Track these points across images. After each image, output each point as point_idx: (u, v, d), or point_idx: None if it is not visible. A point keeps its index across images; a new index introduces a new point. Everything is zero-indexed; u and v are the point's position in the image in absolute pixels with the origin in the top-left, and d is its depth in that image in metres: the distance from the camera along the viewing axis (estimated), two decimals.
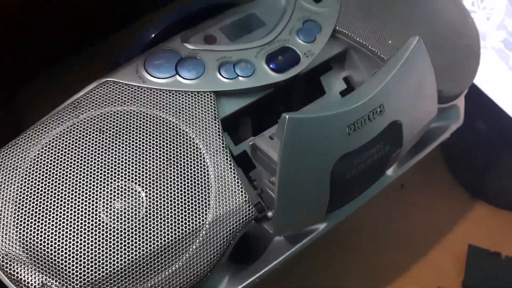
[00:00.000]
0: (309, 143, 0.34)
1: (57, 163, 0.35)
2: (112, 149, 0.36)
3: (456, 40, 0.49)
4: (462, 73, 0.48)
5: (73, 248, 0.33)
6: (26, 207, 0.34)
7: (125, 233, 0.34)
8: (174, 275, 0.35)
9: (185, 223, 0.35)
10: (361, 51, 0.45)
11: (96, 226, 0.34)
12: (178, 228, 0.35)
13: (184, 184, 0.36)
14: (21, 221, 0.34)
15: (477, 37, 0.51)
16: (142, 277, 0.34)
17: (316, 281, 0.57)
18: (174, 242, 0.35)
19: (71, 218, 0.34)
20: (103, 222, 0.34)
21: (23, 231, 0.33)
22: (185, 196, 0.36)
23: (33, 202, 0.34)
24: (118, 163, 0.36)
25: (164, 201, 0.35)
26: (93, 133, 0.36)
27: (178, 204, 0.35)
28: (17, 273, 0.33)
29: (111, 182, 0.35)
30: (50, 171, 0.35)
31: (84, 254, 0.33)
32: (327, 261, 0.57)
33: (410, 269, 0.59)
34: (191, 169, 0.36)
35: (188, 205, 0.36)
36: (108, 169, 0.35)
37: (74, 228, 0.34)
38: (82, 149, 0.36)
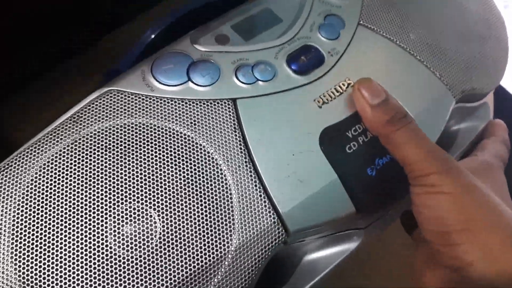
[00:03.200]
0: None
1: (57, 186, 0.30)
2: (120, 168, 0.31)
3: (485, 32, 0.45)
4: (494, 68, 0.44)
5: (80, 284, 0.29)
6: (24, 239, 0.29)
7: (135, 262, 0.30)
8: None
9: (206, 252, 0.31)
10: None
11: (103, 253, 0.29)
12: (198, 258, 0.31)
13: (203, 206, 0.32)
14: (20, 256, 0.29)
15: (504, 28, 0.48)
16: None
17: None
18: (194, 274, 0.30)
19: (75, 246, 0.30)
20: (110, 248, 0.29)
21: (23, 268, 0.29)
22: (204, 220, 0.31)
23: (32, 233, 0.29)
24: (127, 183, 0.31)
25: (180, 226, 0.31)
26: (98, 150, 0.32)
27: (196, 230, 0.31)
28: None
29: (119, 204, 0.30)
30: (49, 196, 0.30)
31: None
32: None
33: None
34: (210, 189, 0.32)
35: (209, 231, 0.31)
36: (115, 190, 0.31)
37: (79, 258, 0.29)
38: (85, 169, 0.31)
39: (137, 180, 0.31)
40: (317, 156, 0.33)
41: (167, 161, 0.32)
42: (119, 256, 0.30)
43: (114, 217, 0.30)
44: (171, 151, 0.32)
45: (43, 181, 0.31)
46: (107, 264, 0.30)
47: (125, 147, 0.32)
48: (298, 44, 0.37)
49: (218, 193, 0.32)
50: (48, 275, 0.29)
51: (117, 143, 0.32)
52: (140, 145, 0.32)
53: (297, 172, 0.33)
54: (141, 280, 0.30)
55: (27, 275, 0.29)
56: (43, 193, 0.30)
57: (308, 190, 0.33)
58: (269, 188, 0.32)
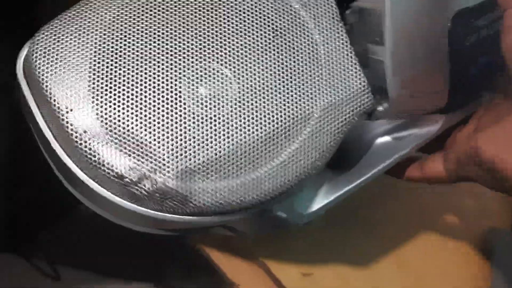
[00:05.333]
0: None
1: (141, 24, 0.28)
2: (199, 18, 0.29)
3: None
4: None
5: (161, 131, 0.27)
6: (102, 78, 0.27)
7: (214, 120, 0.28)
8: (274, 170, 0.29)
9: (287, 112, 0.29)
10: None
11: (179, 107, 0.28)
12: (280, 116, 0.29)
13: (286, 65, 0.29)
14: (99, 92, 0.27)
15: None
16: (237, 171, 0.28)
17: None
18: (275, 132, 0.29)
19: (152, 91, 0.28)
20: (186, 105, 0.28)
21: (102, 104, 0.27)
22: (286, 78, 0.29)
23: (111, 69, 0.27)
24: (204, 38, 0.29)
25: (258, 84, 0.29)
26: None
27: (276, 88, 0.29)
28: (98, 154, 0.26)
29: (197, 61, 0.28)
30: (132, 33, 0.28)
31: (174, 138, 0.27)
32: None
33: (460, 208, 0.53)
34: (295, 47, 0.30)
35: (291, 90, 0.29)
36: (193, 44, 0.29)
37: (156, 104, 0.28)
38: (167, 14, 0.29)
39: (215, 36, 0.29)
40: None
41: (248, 15, 0.30)
42: (193, 112, 0.28)
43: (191, 74, 0.28)
44: (256, 5, 0.30)
45: (126, 17, 0.28)
46: (180, 114, 0.27)
47: None
48: None
49: (303, 51, 0.30)
50: (124, 111, 0.27)
51: None
52: None
53: None
54: (212, 131, 0.28)
55: (107, 115, 0.27)
56: (124, 32, 0.28)
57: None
58: None
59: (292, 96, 0.29)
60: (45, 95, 0.27)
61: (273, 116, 0.29)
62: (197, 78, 0.28)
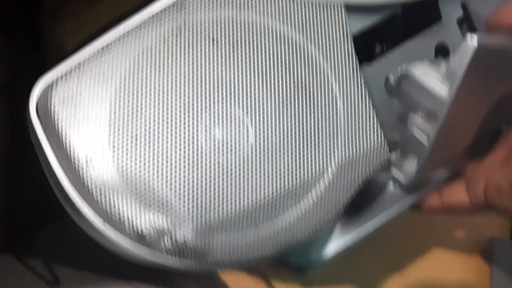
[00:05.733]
0: (483, 79, 0.27)
1: (157, 73, 0.28)
2: (220, 65, 0.29)
3: None
4: None
5: (180, 186, 0.27)
6: (122, 122, 0.27)
7: (225, 166, 0.28)
8: (291, 225, 0.29)
9: (303, 168, 0.29)
10: None
11: (194, 153, 0.28)
12: (294, 172, 0.29)
13: (305, 117, 0.29)
14: (118, 142, 0.27)
15: None
16: (254, 226, 0.28)
17: None
18: (287, 189, 0.29)
19: (171, 140, 0.28)
20: (203, 150, 0.28)
21: (122, 155, 0.27)
22: (305, 131, 0.29)
23: (130, 117, 0.27)
24: (224, 83, 0.29)
25: (276, 136, 0.29)
26: (200, 41, 0.29)
27: (294, 140, 0.29)
28: (118, 208, 0.26)
29: (215, 105, 0.28)
30: (147, 82, 0.28)
31: (193, 193, 0.27)
32: None
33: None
34: (314, 99, 0.30)
35: (309, 144, 0.29)
36: (212, 89, 0.28)
37: (171, 152, 0.28)
38: (185, 59, 0.28)
39: (235, 82, 0.29)
40: None
41: (270, 65, 0.29)
42: (209, 157, 0.28)
43: (209, 118, 0.28)
44: (275, 53, 0.30)
45: (144, 65, 0.28)
46: (197, 163, 0.28)
47: (231, 42, 0.29)
48: None
49: (323, 105, 0.30)
50: (144, 163, 0.27)
51: (221, 38, 0.29)
52: (243, 43, 0.29)
53: None
54: (232, 183, 0.28)
55: (126, 166, 0.27)
56: (142, 79, 0.28)
57: None
58: None
59: (309, 151, 0.29)
60: (63, 143, 0.27)
61: (290, 172, 0.29)
62: (214, 121, 0.28)
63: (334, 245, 0.33)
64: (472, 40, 0.25)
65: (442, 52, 0.39)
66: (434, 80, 0.28)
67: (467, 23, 0.41)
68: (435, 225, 0.47)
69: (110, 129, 0.27)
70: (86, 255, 0.44)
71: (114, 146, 0.27)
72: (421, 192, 0.35)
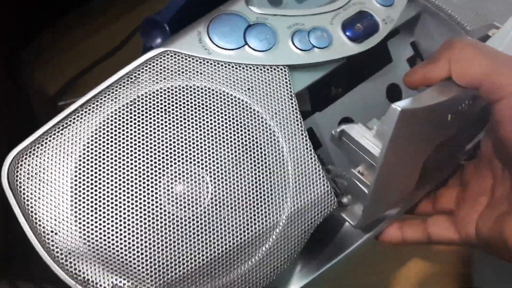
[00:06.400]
0: (414, 134, 0.30)
1: (115, 144, 0.31)
2: (175, 130, 0.31)
3: None
4: None
5: (142, 248, 0.30)
6: (84, 194, 0.30)
7: (186, 221, 0.30)
8: (247, 273, 0.31)
9: (258, 219, 0.32)
10: (437, 15, 0.40)
11: (156, 211, 0.30)
12: (250, 223, 0.31)
13: (257, 173, 0.32)
14: (81, 212, 0.30)
15: None
16: (211, 278, 0.31)
17: None
18: (244, 239, 0.31)
19: (130, 203, 0.30)
20: (163, 206, 0.30)
21: (84, 224, 0.29)
22: (257, 186, 0.32)
23: (91, 188, 0.30)
24: (181, 145, 0.31)
25: (232, 190, 0.31)
26: (155, 111, 0.31)
27: (249, 195, 0.32)
28: (83, 272, 0.29)
29: (172, 165, 0.31)
30: (107, 153, 0.31)
31: (154, 255, 0.30)
32: None
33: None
34: (264, 156, 0.32)
35: (262, 198, 0.32)
36: (170, 151, 0.31)
37: (133, 214, 0.30)
38: (142, 128, 0.31)
39: (192, 143, 0.31)
40: None
41: (223, 126, 0.32)
42: (171, 214, 0.30)
43: (168, 176, 0.31)
44: (227, 116, 0.32)
45: (102, 138, 0.30)
46: (158, 221, 0.30)
47: (182, 109, 0.32)
48: (353, 10, 0.36)
49: (272, 161, 0.32)
50: (106, 230, 0.30)
51: (174, 105, 0.32)
52: (196, 108, 0.32)
53: None
54: (191, 239, 0.30)
55: (89, 233, 0.29)
56: (101, 151, 0.30)
57: None
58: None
59: (262, 203, 0.32)
60: (30, 216, 0.30)
61: (244, 222, 0.31)
62: (174, 178, 0.31)
63: (297, 283, 0.35)
64: (397, 105, 0.27)
65: (394, 91, 0.42)
66: (367, 141, 0.31)
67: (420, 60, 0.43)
68: None
69: (73, 202, 0.30)
70: None
71: (77, 217, 0.29)
72: (379, 228, 0.37)
